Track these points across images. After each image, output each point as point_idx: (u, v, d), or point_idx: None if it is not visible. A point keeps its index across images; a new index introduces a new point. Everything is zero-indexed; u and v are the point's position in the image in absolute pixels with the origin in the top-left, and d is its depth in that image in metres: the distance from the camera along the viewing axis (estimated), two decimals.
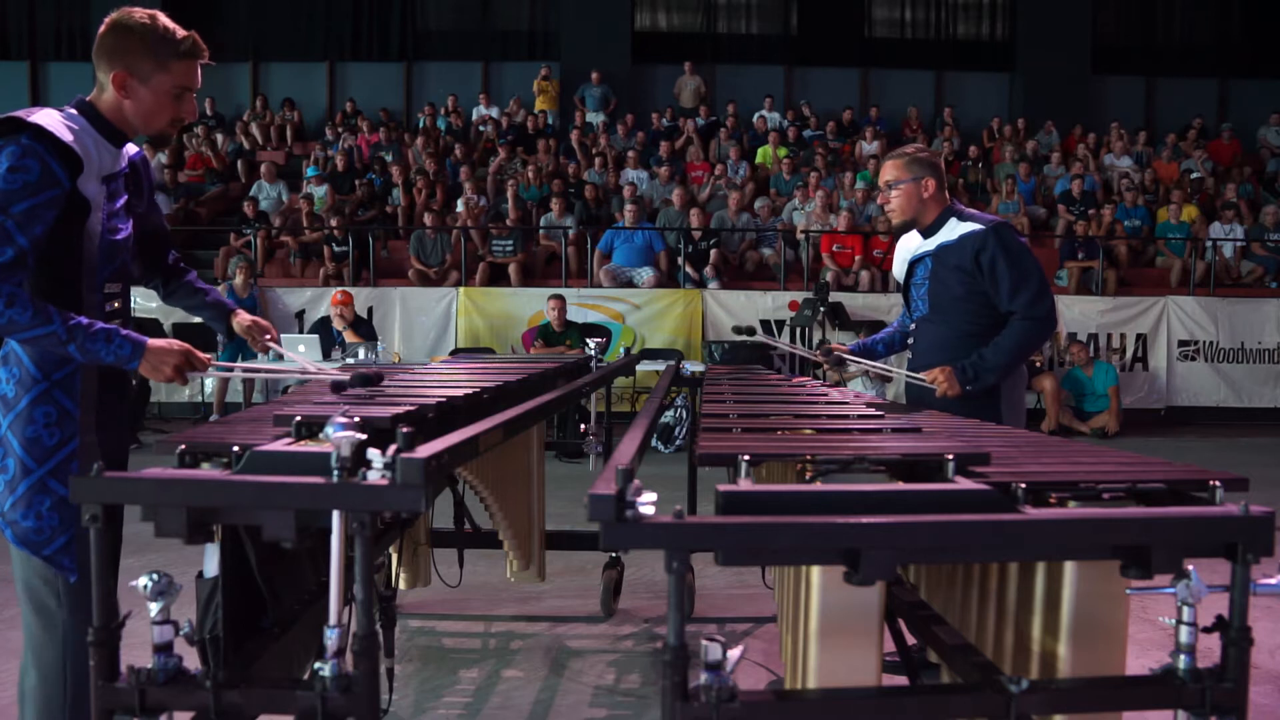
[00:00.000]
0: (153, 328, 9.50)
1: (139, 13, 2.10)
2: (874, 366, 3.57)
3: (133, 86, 2.09)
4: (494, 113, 14.04)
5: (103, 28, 2.12)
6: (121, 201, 2.14)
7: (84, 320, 1.96)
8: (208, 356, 2.18)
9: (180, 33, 2.12)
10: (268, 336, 2.49)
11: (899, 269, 3.43)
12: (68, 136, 1.96)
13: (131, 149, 2.22)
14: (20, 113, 1.97)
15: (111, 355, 1.98)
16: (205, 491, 1.44)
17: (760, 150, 12.94)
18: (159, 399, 9.46)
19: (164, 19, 2.10)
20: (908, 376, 3.26)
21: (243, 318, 2.48)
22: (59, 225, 1.96)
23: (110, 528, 1.47)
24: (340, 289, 9.16)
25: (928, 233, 3.24)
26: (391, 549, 2.80)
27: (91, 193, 2.01)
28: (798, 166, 12.20)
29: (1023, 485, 1.46)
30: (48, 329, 1.91)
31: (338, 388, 2.30)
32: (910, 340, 3.40)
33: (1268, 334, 10.09)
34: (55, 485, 2.01)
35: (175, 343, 2.09)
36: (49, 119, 1.97)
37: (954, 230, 3.16)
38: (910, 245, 3.34)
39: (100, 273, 2.08)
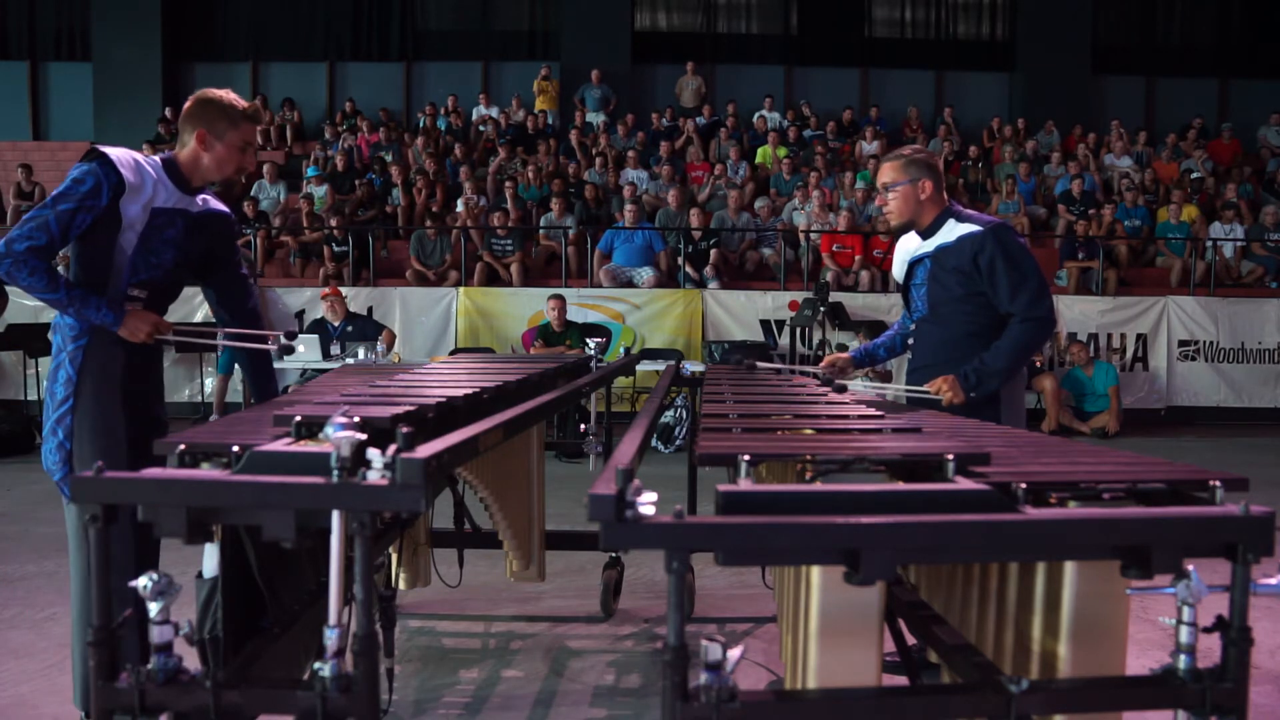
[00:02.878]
0: None
1: (215, 91, 2.76)
2: (877, 387, 3.58)
3: (210, 141, 2.69)
4: (494, 113, 14.04)
5: (189, 102, 2.73)
6: (171, 233, 2.68)
7: (80, 291, 2.53)
8: (170, 323, 2.71)
9: (245, 104, 2.74)
10: None
11: (898, 270, 3.43)
12: (127, 169, 2.55)
13: (219, 205, 2.85)
14: (104, 147, 2.59)
15: (98, 318, 2.54)
16: (205, 491, 1.44)
17: (760, 150, 12.94)
18: None
19: (233, 95, 2.74)
20: (910, 392, 3.26)
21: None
22: (98, 234, 2.54)
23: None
24: (332, 283, 9.17)
25: (926, 234, 3.23)
26: (391, 549, 2.80)
27: (131, 213, 2.57)
28: (798, 166, 12.20)
29: (1023, 485, 1.46)
30: (56, 295, 2.50)
31: None
32: (910, 341, 3.40)
33: (1268, 334, 10.09)
34: (59, 430, 2.60)
35: (148, 313, 2.64)
36: (119, 153, 2.56)
37: (952, 231, 3.15)
38: (909, 247, 3.34)
39: (126, 278, 2.61)
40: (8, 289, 8.10)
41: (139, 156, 2.62)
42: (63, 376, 2.60)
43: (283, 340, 2.87)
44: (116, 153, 2.57)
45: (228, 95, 2.73)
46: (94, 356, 2.61)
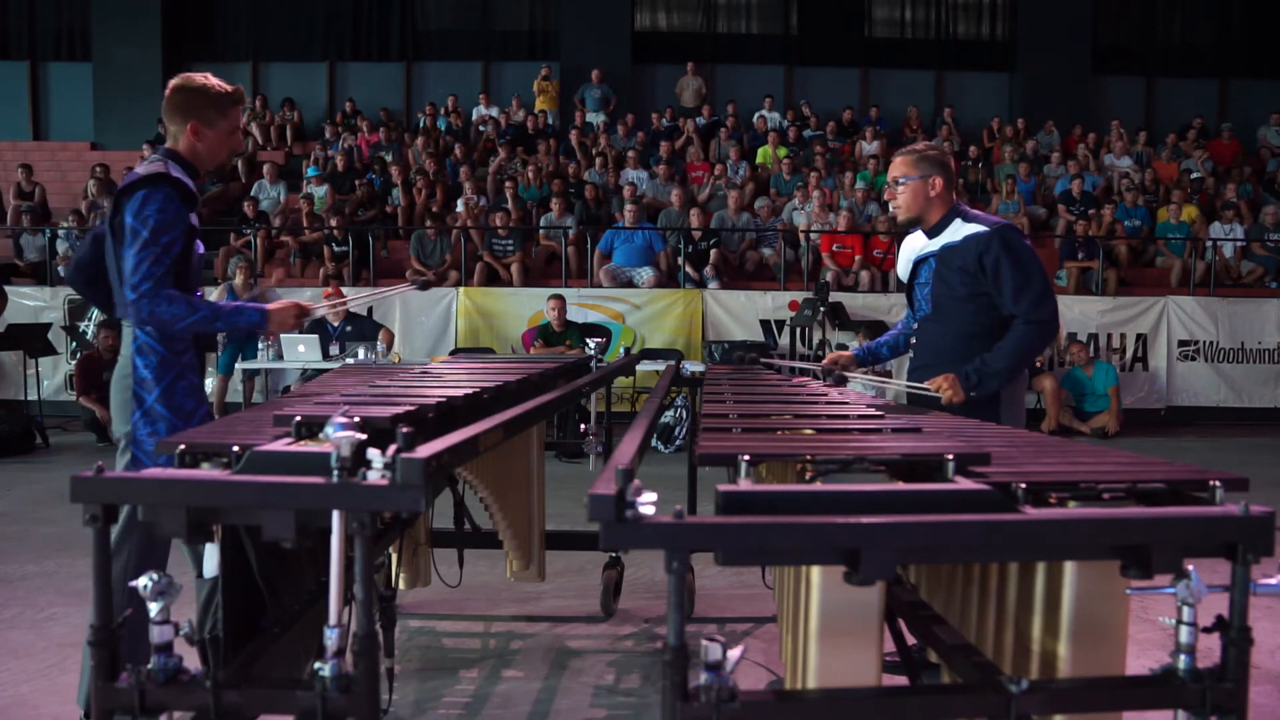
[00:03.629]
0: None
1: (197, 76, 2.74)
2: (878, 381, 3.58)
3: (203, 132, 2.71)
4: (494, 113, 14.04)
5: (170, 90, 2.72)
6: (197, 220, 2.77)
7: (219, 305, 2.64)
8: (309, 304, 2.85)
9: (229, 87, 2.76)
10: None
11: (903, 269, 3.43)
12: (187, 182, 2.64)
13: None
14: (157, 168, 2.62)
15: (246, 323, 2.67)
16: (205, 491, 1.44)
17: (760, 150, 12.93)
18: None
19: (214, 79, 2.75)
20: (910, 388, 3.26)
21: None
22: (183, 248, 2.63)
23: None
24: (331, 284, 9.15)
25: (932, 233, 3.23)
26: (391, 549, 2.80)
27: (195, 221, 2.69)
28: (798, 166, 12.20)
29: (1023, 485, 1.46)
30: (200, 314, 2.58)
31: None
32: (913, 340, 3.39)
33: (1268, 334, 10.09)
34: None
35: (286, 300, 2.75)
36: (176, 172, 2.63)
37: (959, 231, 3.15)
38: (915, 245, 3.34)
39: (196, 276, 2.74)
40: (6, 289, 8.11)
41: (171, 164, 2.66)
42: (185, 388, 2.66)
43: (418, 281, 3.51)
44: (173, 171, 2.64)
45: (210, 81, 2.73)
46: (201, 364, 2.76)
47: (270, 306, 2.69)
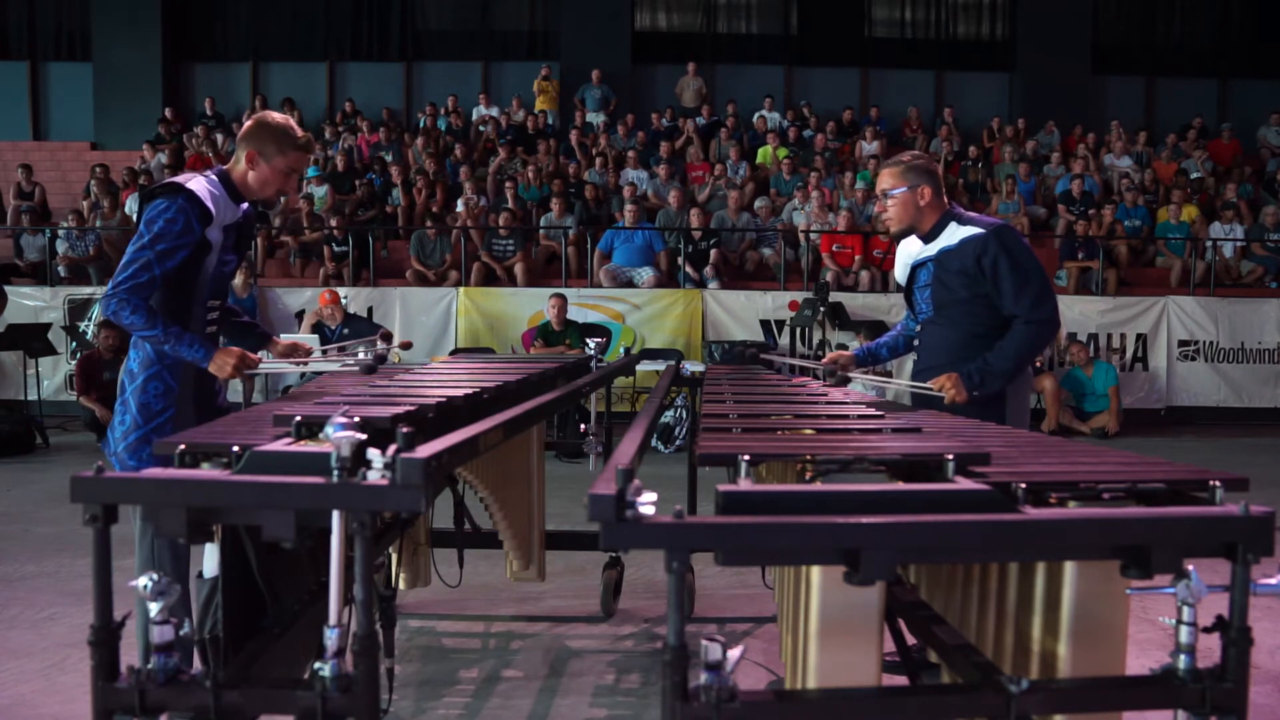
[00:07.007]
0: None
1: (276, 115, 2.89)
2: (880, 381, 3.59)
3: (258, 163, 2.83)
4: (494, 113, 14.04)
5: (250, 122, 2.87)
6: (232, 242, 2.87)
7: (176, 329, 2.67)
8: (257, 356, 2.86)
9: (299, 133, 2.87)
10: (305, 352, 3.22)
11: (900, 274, 3.42)
12: (206, 198, 2.71)
13: (245, 204, 2.96)
14: (180, 178, 2.74)
15: (190, 355, 2.68)
16: (205, 491, 1.44)
17: (760, 150, 12.93)
18: None
19: (293, 122, 2.88)
20: (913, 387, 3.25)
21: (280, 344, 3.17)
22: (188, 262, 2.70)
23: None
24: (327, 289, 9.13)
25: (928, 238, 3.23)
26: (391, 549, 2.80)
27: (214, 238, 2.76)
28: (798, 166, 12.20)
29: (1023, 485, 1.46)
30: (153, 332, 2.64)
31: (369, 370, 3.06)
32: (916, 343, 3.39)
33: (1268, 334, 10.08)
34: (155, 438, 2.55)
35: (233, 349, 2.78)
36: (198, 185, 2.73)
37: (954, 235, 3.15)
38: (911, 250, 3.33)
39: (207, 293, 2.82)
40: (6, 289, 8.10)
41: (203, 180, 2.76)
42: (158, 388, 2.74)
43: (380, 345, 3.25)
44: (194, 184, 2.71)
45: (286, 122, 2.86)
46: (188, 368, 2.76)
47: (218, 350, 2.74)
